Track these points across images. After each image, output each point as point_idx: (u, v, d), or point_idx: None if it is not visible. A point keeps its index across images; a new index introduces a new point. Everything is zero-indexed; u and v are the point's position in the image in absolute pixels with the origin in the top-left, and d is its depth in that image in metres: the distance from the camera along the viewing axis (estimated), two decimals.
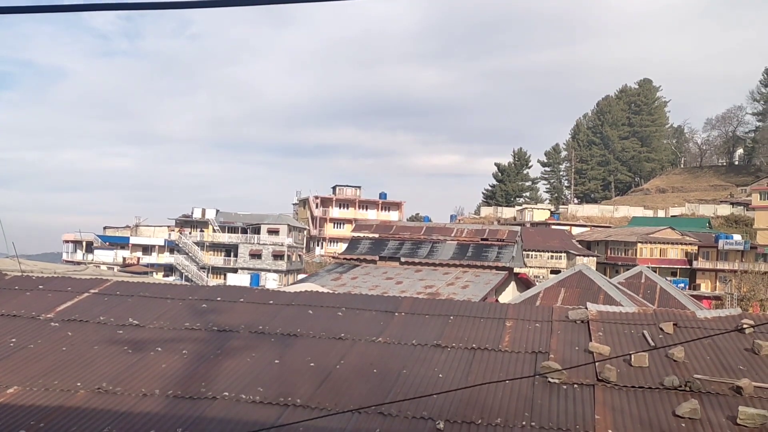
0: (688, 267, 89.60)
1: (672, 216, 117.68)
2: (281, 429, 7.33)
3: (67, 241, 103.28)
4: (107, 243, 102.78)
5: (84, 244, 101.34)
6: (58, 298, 11.93)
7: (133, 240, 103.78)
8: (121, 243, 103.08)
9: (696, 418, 7.53)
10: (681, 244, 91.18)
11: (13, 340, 10.02)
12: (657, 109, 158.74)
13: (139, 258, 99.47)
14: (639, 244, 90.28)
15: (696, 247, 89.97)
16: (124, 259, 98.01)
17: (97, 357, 9.42)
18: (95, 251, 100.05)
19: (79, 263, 77.60)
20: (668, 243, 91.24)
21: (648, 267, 40.54)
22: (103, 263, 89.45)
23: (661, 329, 10.45)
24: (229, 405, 8.00)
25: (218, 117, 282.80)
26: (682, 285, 75.60)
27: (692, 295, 46.05)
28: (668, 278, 65.73)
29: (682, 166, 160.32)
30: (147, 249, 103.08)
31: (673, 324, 10.57)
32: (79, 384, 8.52)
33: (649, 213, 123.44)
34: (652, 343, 9.84)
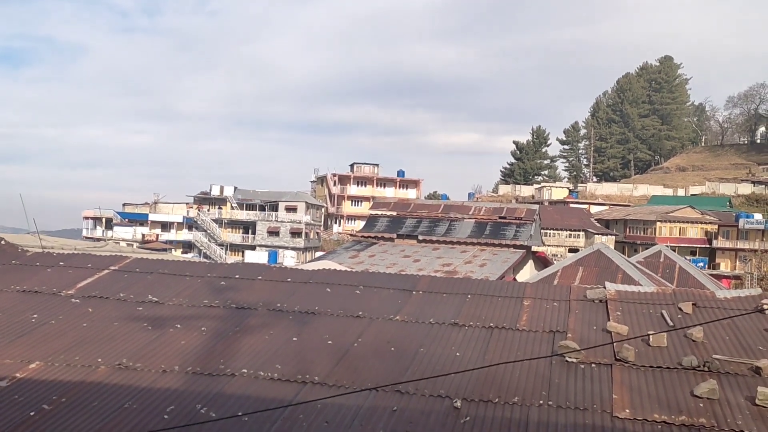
0: (708, 246, 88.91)
1: (692, 195, 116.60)
2: (299, 406, 7.38)
3: (86, 218, 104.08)
4: (126, 220, 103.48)
5: (104, 220, 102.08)
6: (79, 274, 12.03)
7: (152, 217, 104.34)
8: (140, 220, 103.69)
9: (714, 398, 7.51)
10: (701, 223, 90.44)
11: (35, 315, 10.13)
12: (678, 86, 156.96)
13: (158, 235, 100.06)
14: (658, 223, 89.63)
15: (716, 226, 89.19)
16: (143, 235, 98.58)
17: (118, 333, 9.51)
18: (114, 228, 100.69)
19: (98, 240, 78.15)
20: (688, 222, 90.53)
21: (667, 246, 40.40)
22: (123, 240, 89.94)
23: (680, 309, 10.40)
24: (247, 382, 8.06)
25: (237, 94, 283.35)
26: (702, 264, 75.07)
27: (712, 275, 45.86)
28: (687, 257, 65.37)
29: (702, 144, 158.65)
30: (166, 226, 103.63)
31: (692, 304, 10.53)
32: (99, 360, 8.61)
33: (669, 192, 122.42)
34: (671, 323, 9.81)
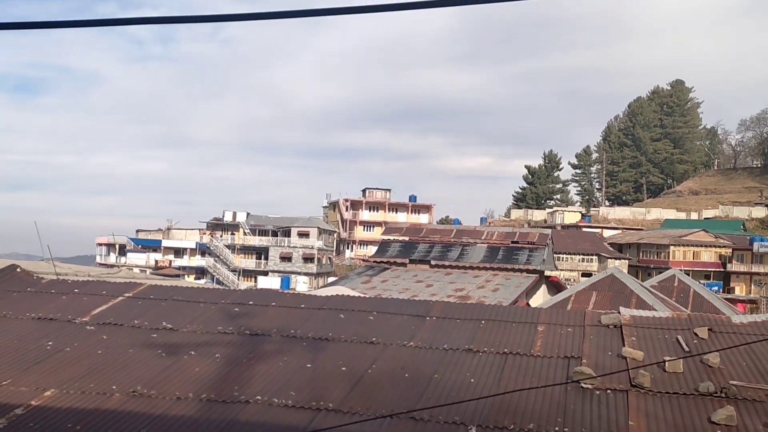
0: (722, 270, 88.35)
1: (705, 218, 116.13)
2: None
3: (100, 244, 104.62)
4: (140, 246, 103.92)
5: (117, 246, 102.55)
6: (93, 301, 12.08)
7: (165, 243, 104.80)
8: (153, 246, 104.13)
9: (732, 425, 7.44)
10: (715, 246, 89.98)
11: (50, 343, 10.17)
12: (690, 110, 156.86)
13: (171, 261, 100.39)
14: (672, 247, 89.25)
15: (730, 250, 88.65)
16: (156, 261, 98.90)
17: (132, 360, 9.53)
18: (128, 254, 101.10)
19: (112, 266, 78.46)
20: (701, 246, 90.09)
21: (681, 270, 40.15)
22: (136, 266, 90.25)
23: (696, 334, 10.33)
24: (261, 409, 8.05)
25: (250, 120, 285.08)
26: (716, 288, 74.54)
27: (726, 299, 45.52)
28: (702, 281, 64.95)
29: (715, 167, 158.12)
30: (179, 252, 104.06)
31: (708, 329, 10.45)
32: (114, 387, 8.62)
33: (682, 215, 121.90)
34: (687, 349, 9.74)
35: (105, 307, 11.83)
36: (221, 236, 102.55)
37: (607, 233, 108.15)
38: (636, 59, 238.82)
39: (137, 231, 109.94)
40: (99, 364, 9.40)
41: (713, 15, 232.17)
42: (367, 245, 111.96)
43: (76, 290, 12.73)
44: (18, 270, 13.60)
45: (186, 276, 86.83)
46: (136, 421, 7.73)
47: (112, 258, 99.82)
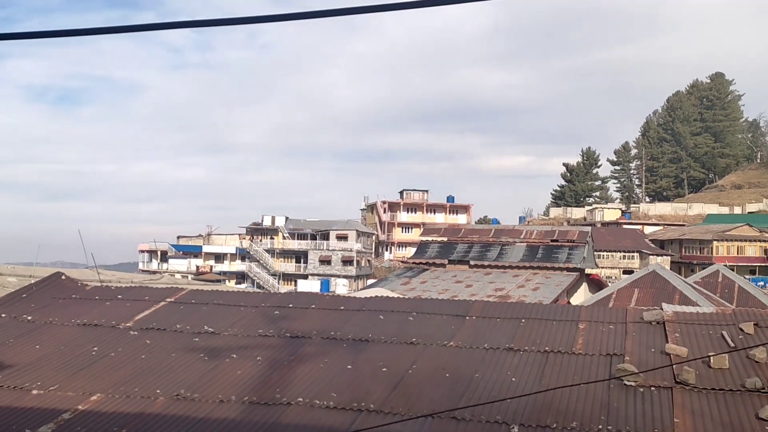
0: None
1: (749, 212, 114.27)
2: None
3: (142, 251, 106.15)
4: (181, 252, 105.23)
5: (159, 253, 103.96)
6: (136, 307, 12.24)
7: (205, 248, 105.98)
8: (194, 252, 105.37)
9: None
10: (759, 241, 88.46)
11: (95, 348, 10.33)
12: (730, 103, 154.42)
13: (211, 266, 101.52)
14: (715, 242, 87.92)
15: None
16: (197, 267, 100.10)
17: (175, 364, 9.64)
18: (170, 260, 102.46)
19: (154, 272, 79.53)
20: (746, 240, 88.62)
21: (725, 265, 39.44)
22: (178, 272, 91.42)
23: (741, 330, 10.15)
24: (303, 411, 8.09)
25: (287, 125, 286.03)
26: (762, 283, 73.11)
27: None
28: (746, 276, 63.88)
29: (758, 160, 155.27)
30: (219, 257, 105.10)
31: (754, 324, 10.26)
32: (158, 391, 8.73)
33: (725, 210, 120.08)
34: (732, 344, 9.58)
35: (148, 312, 11.99)
36: (261, 241, 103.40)
37: (648, 230, 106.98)
38: (674, 53, 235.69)
39: (178, 237, 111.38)
40: (143, 368, 9.53)
41: (753, 5, 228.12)
42: (405, 247, 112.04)
43: (119, 296, 12.92)
44: (63, 278, 13.83)
45: (227, 281, 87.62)
46: (180, 425, 7.82)
47: (154, 264, 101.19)
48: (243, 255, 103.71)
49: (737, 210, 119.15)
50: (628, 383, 8.41)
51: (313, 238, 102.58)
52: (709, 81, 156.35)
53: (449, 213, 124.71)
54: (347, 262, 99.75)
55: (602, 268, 70.10)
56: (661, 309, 11.11)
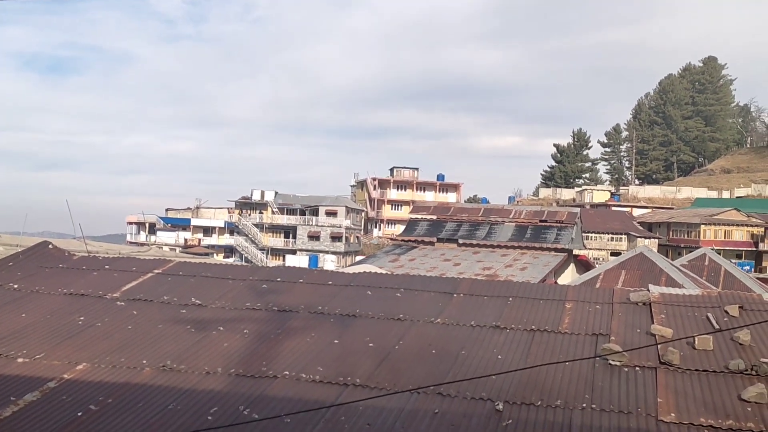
0: (754, 249, 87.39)
1: (737, 197, 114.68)
2: (341, 407, 7.40)
3: (130, 223, 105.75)
4: (169, 225, 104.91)
5: (147, 225, 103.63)
6: (124, 277, 12.21)
7: (194, 222, 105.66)
8: (182, 225, 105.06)
9: (763, 403, 7.36)
10: (746, 225, 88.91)
11: (82, 318, 10.31)
12: (722, 87, 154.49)
13: (200, 239, 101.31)
14: (702, 226, 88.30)
15: (762, 229, 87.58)
16: (185, 240, 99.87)
17: (162, 335, 9.64)
18: (158, 233, 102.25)
19: (142, 244, 79.36)
20: (733, 225, 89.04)
21: (712, 249, 39.64)
22: (166, 244, 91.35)
23: (726, 312, 10.22)
24: (289, 383, 8.11)
25: (279, 100, 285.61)
26: (748, 268, 73.69)
27: (758, 278, 44.93)
28: (733, 261, 64.14)
29: (748, 146, 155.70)
30: (208, 231, 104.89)
31: (739, 307, 10.33)
32: (144, 361, 8.73)
33: (713, 194, 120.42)
34: (717, 326, 9.64)
35: (135, 283, 11.96)
36: (249, 215, 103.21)
37: (636, 212, 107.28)
38: (667, 36, 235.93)
39: (167, 210, 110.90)
40: (129, 339, 9.52)
41: None
42: (394, 224, 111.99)
43: (106, 266, 12.88)
44: (50, 247, 13.77)
45: (215, 254, 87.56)
46: (166, 395, 7.82)
47: (142, 237, 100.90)
48: (232, 229, 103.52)
49: (726, 194, 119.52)
50: (612, 362, 8.46)
51: (303, 213, 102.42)
52: (701, 65, 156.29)
53: (439, 191, 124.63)
54: (336, 238, 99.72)
55: (590, 249, 70.41)
56: (648, 290, 11.16)
